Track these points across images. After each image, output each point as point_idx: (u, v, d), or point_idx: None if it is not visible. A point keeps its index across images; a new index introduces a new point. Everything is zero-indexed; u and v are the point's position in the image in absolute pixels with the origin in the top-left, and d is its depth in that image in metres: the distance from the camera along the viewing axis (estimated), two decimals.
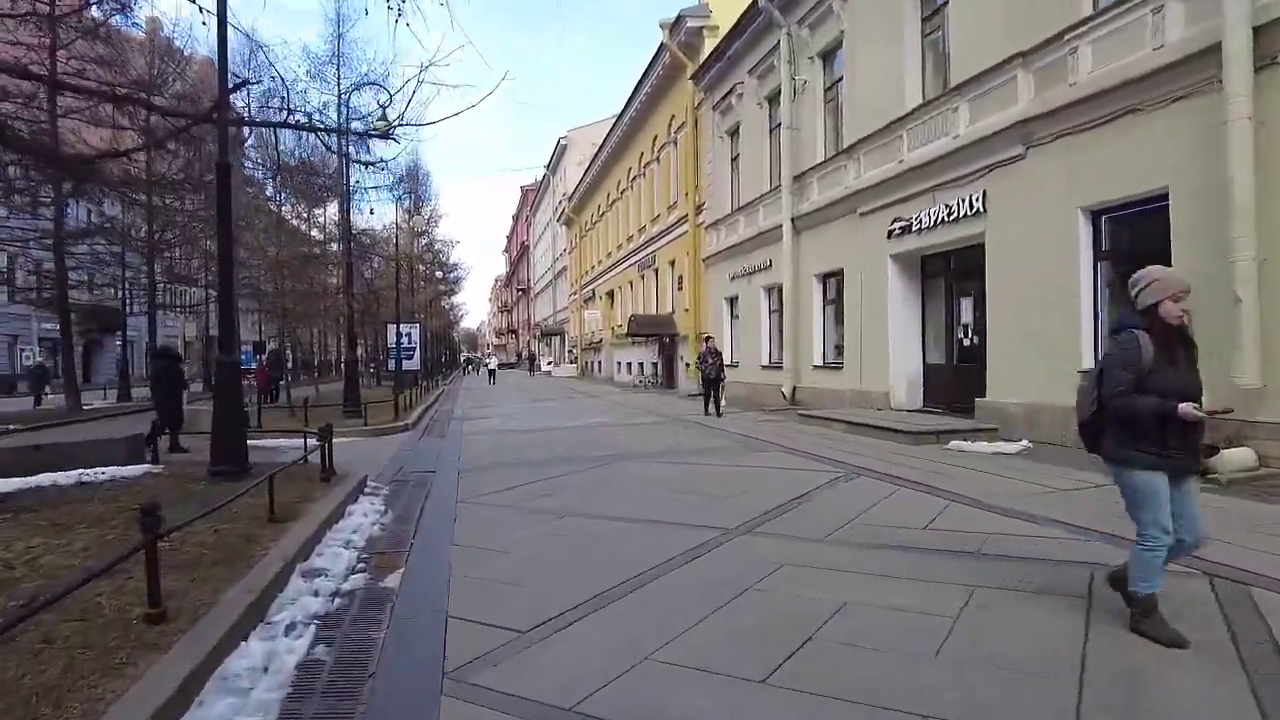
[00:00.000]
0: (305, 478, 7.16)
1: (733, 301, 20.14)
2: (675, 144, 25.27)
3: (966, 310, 11.80)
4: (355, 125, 8.16)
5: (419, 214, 23.53)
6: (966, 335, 11.82)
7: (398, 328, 24.56)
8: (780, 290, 16.92)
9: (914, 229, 12.04)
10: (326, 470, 7.28)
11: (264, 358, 23.88)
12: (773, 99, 17.52)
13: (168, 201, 21.86)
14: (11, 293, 28.97)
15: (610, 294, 36.87)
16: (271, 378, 21.20)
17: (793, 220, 15.76)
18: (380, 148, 30.27)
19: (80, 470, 6.84)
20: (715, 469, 8.26)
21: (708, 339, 15.92)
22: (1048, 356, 9.39)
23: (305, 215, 29.97)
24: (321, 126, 7.88)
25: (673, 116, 25.02)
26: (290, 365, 38.26)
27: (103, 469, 7.05)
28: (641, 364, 29.37)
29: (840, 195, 14.16)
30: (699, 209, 22.11)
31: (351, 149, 13.66)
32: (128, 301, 26.34)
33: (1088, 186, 8.86)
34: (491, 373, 35.87)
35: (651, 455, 9.44)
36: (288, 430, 11.79)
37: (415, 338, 27.51)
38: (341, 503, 6.30)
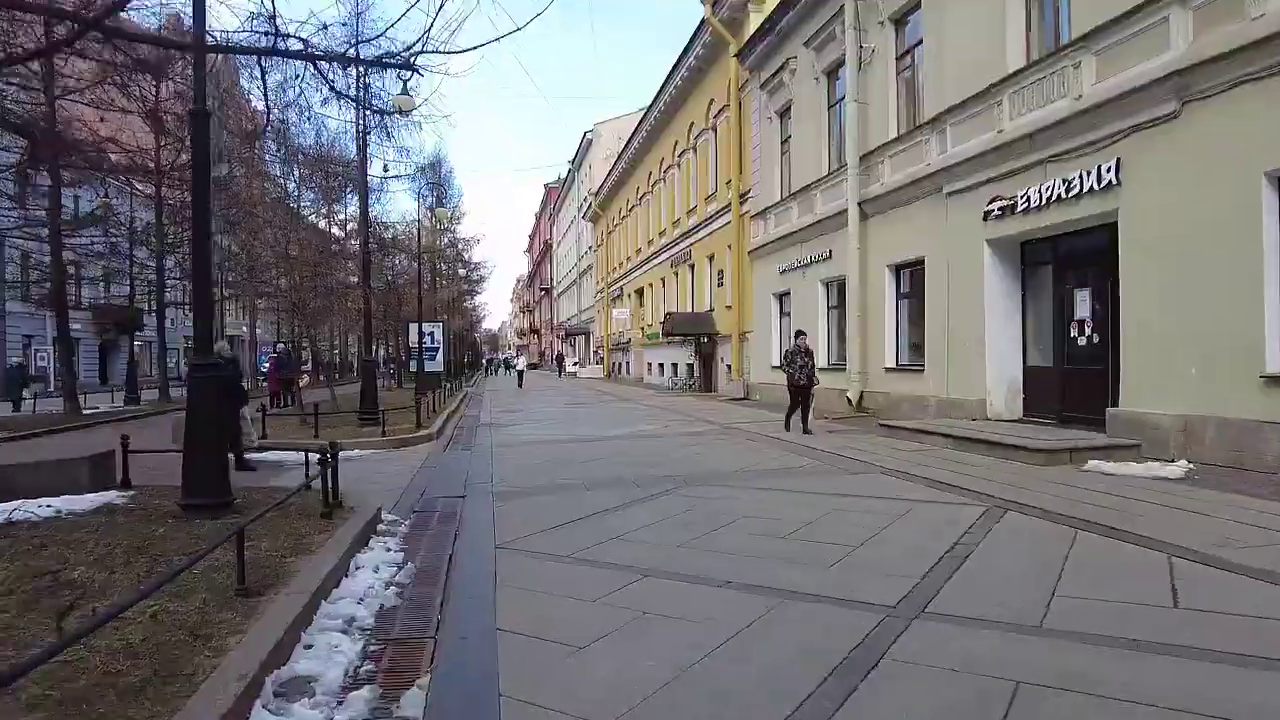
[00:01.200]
0: (303, 513, 5.63)
1: (783, 297, 18.44)
2: (714, 130, 23.61)
3: (1083, 303, 10.02)
4: (366, 52, 6.48)
5: (442, 206, 21.98)
6: (1082, 333, 10.04)
7: (419, 326, 23.14)
8: (842, 284, 15.21)
9: (1018, 209, 10.28)
10: (330, 503, 5.74)
11: (274, 357, 22.59)
12: (832, 72, 15.81)
13: (175, 191, 20.66)
14: (24, 292, 27.96)
15: (640, 292, 35.28)
16: (282, 380, 19.83)
17: (860, 205, 14.04)
18: (404, 129, 28.77)
19: (18, 503, 5.35)
20: (817, 500, 6.60)
21: (798, 335, 12.60)
22: (1213, 357, 7.62)
23: (325, 212, 28.82)
24: (321, 54, 6.32)
25: (711, 101, 23.37)
26: (310, 366, 37.22)
27: (49, 500, 5.56)
28: (675, 365, 27.73)
29: (920, 174, 12.43)
30: (743, 198, 20.43)
31: (366, 94, 12.11)
32: (143, 300, 25.24)
33: (1275, 146, 7.08)
34: (520, 374, 34.14)
35: (728, 478, 7.80)
36: (295, 444, 10.31)
37: (438, 337, 26.13)
38: (346, 552, 4.75)
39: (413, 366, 26.34)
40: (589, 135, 49.17)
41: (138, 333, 37.94)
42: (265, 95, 7.06)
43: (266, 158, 24.05)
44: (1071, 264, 10.32)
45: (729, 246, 21.72)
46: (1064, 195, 9.44)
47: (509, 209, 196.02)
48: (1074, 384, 10.14)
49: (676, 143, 27.60)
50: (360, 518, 5.71)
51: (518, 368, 35.79)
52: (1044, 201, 9.81)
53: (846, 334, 14.77)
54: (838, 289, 15.80)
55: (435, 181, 22.92)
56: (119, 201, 21.98)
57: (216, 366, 5.51)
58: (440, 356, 26.40)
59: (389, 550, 5.23)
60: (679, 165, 27.58)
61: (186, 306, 32.08)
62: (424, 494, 7.48)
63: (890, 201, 13.37)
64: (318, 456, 5.89)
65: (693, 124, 25.47)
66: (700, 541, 5.18)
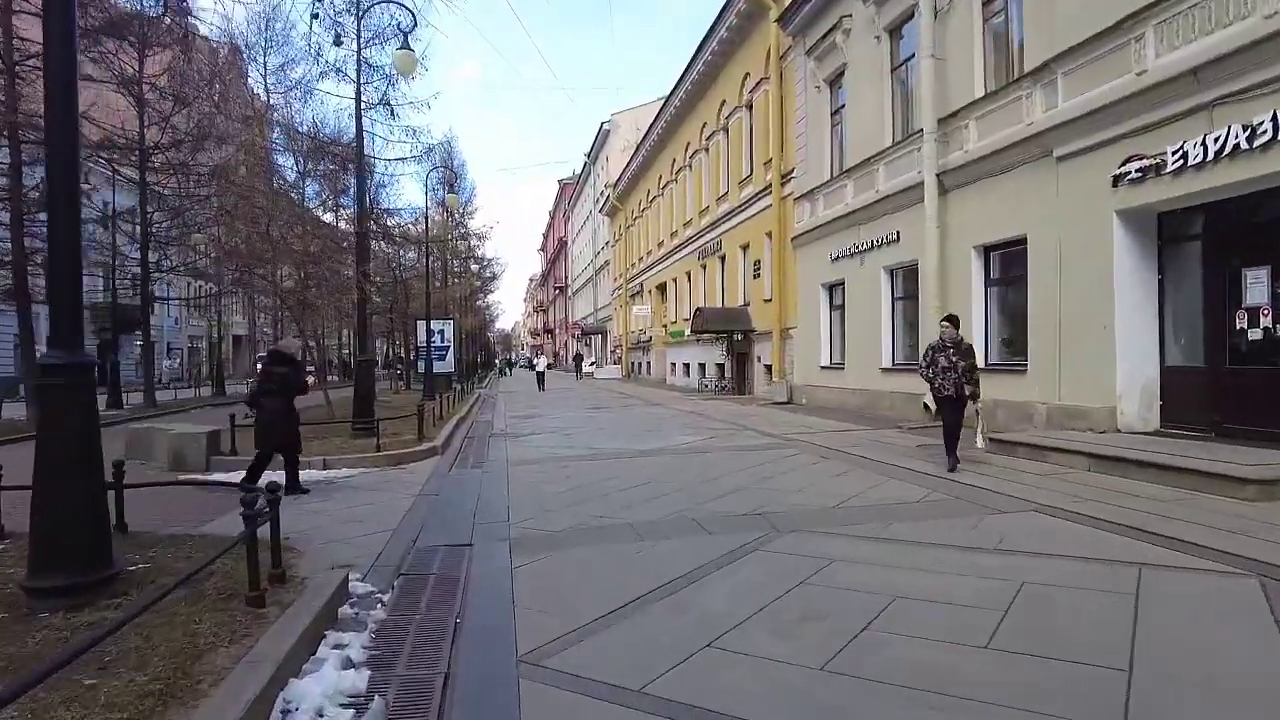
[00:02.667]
0: (225, 593, 3.68)
1: (834, 288, 16.37)
2: (748, 108, 21.56)
3: (1258, 286, 7.90)
4: None
5: (453, 193, 20.04)
6: (1255, 323, 7.92)
7: (427, 324, 21.24)
8: (912, 270, 13.14)
9: (1165, 169, 8.17)
10: (268, 576, 3.77)
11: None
12: (896, 29, 13.73)
13: (164, 177, 18.88)
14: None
15: (662, 287, 33.26)
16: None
17: (939, 176, 11.94)
18: (410, 110, 26.30)
19: None
20: (984, 563, 4.55)
21: (946, 320, 8.28)
22: None
23: (332, 203, 26.99)
24: None
25: (746, 75, 21.31)
26: (312, 367, 35.57)
27: None
28: (703, 365, 25.69)
29: (1018, 136, 10.34)
30: (785, 179, 18.36)
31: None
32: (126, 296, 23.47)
33: None
34: (540, 376, 31.81)
35: (831, 519, 5.77)
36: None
37: (448, 335, 24.23)
38: (267, 685, 2.77)
39: (422, 367, 24.42)
40: (606, 126, 47.22)
41: (137, 330, 36.66)
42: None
43: (268, 145, 22.28)
44: (1240, 237, 8.20)
45: (767, 234, 19.66)
46: (1245, 146, 7.32)
47: (520, 209, 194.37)
48: (1241, 388, 8.02)
49: (704, 125, 25.55)
50: (312, 598, 3.74)
51: (538, 368, 33.47)
52: (1209, 157, 7.69)
53: (920, 328, 12.68)
54: (906, 276, 13.71)
55: (446, 165, 20.83)
56: (94, 186, 20.14)
57: (82, 369, 3.53)
58: (451, 356, 24.51)
59: (349, 665, 3.25)
60: (707, 149, 25.53)
61: (177, 302, 30.22)
62: (417, 540, 5.51)
63: (977, 171, 11.28)
64: (270, 487, 3.94)
65: (723, 102, 23.42)
66: (856, 659, 3.14)
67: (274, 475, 6.50)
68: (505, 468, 8.98)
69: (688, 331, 27.55)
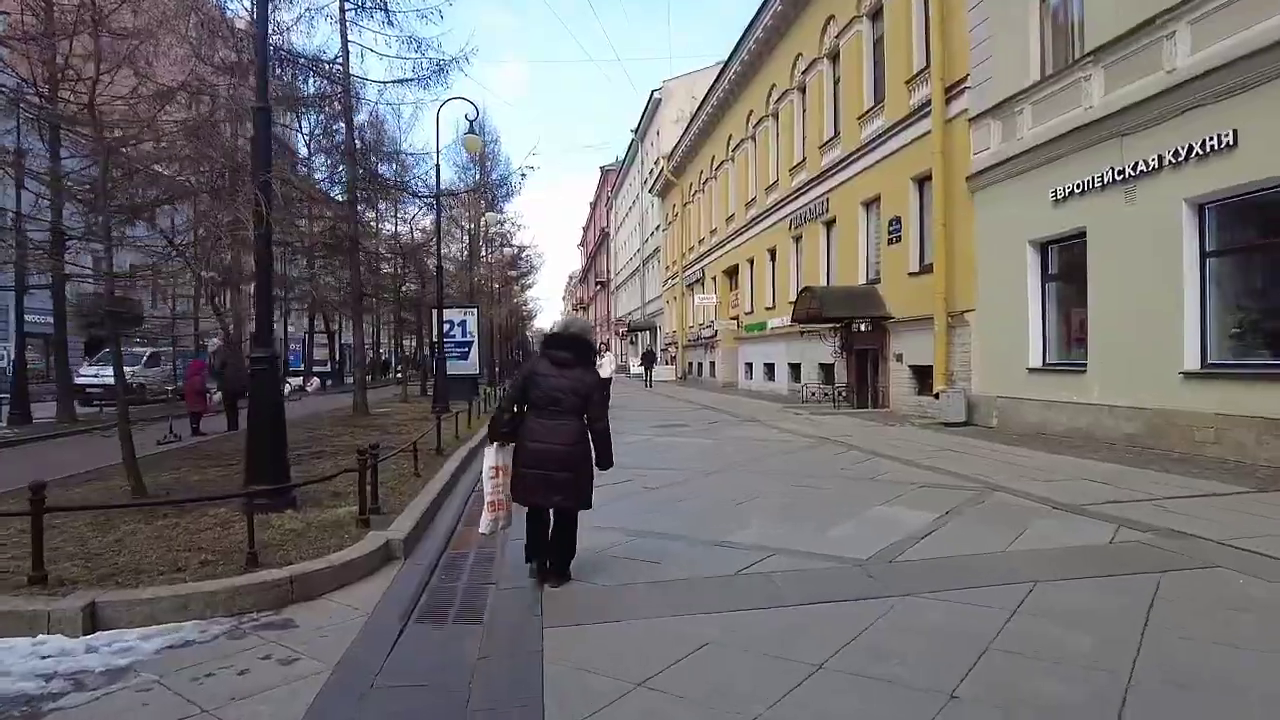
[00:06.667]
0: None
1: (1053, 247, 10.59)
2: (874, 16, 15.80)
3: None
4: None
5: (472, 132, 14.64)
6: None
7: (438, 311, 15.86)
8: (1265, 200, 7.31)
9: None
10: None
11: (210, 360, 15.72)
12: None
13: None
14: None
15: (731, 271, 27.60)
16: (209, 393, 12.88)
17: None
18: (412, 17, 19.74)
19: None
20: None
21: None
22: None
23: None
24: None
25: None
26: (302, 370, 30.74)
27: None
28: (797, 366, 19.91)
29: None
30: (953, 92, 12.55)
31: None
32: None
33: None
34: (606, 384, 25.82)
35: None
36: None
37: (470, 328, 18.92)
38: None
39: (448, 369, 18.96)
40: (656, 95, 41.71)
41: (135, 328, 32.23)
42: None
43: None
44: None
45: (916, 178, 13.92)
46: None
47: (560, 204, 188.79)
48: None
49: (797, 58, 19.80)
50: None
51: (602, 373, 27.27)
52: None
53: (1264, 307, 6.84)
54: (1242, 214, 7.88)
55: (469, 115, 15.25)
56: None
57: None
58: (475, 354, 19.19)
59: None
60: (802, 88, 19.78)
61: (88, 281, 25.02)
62: None
63: None
64: None
65: (830, 19, 17.66)
66: None
67: None
68: (539, 624, 3.49)
69: (772, 323, 21.84)
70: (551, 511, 4.14)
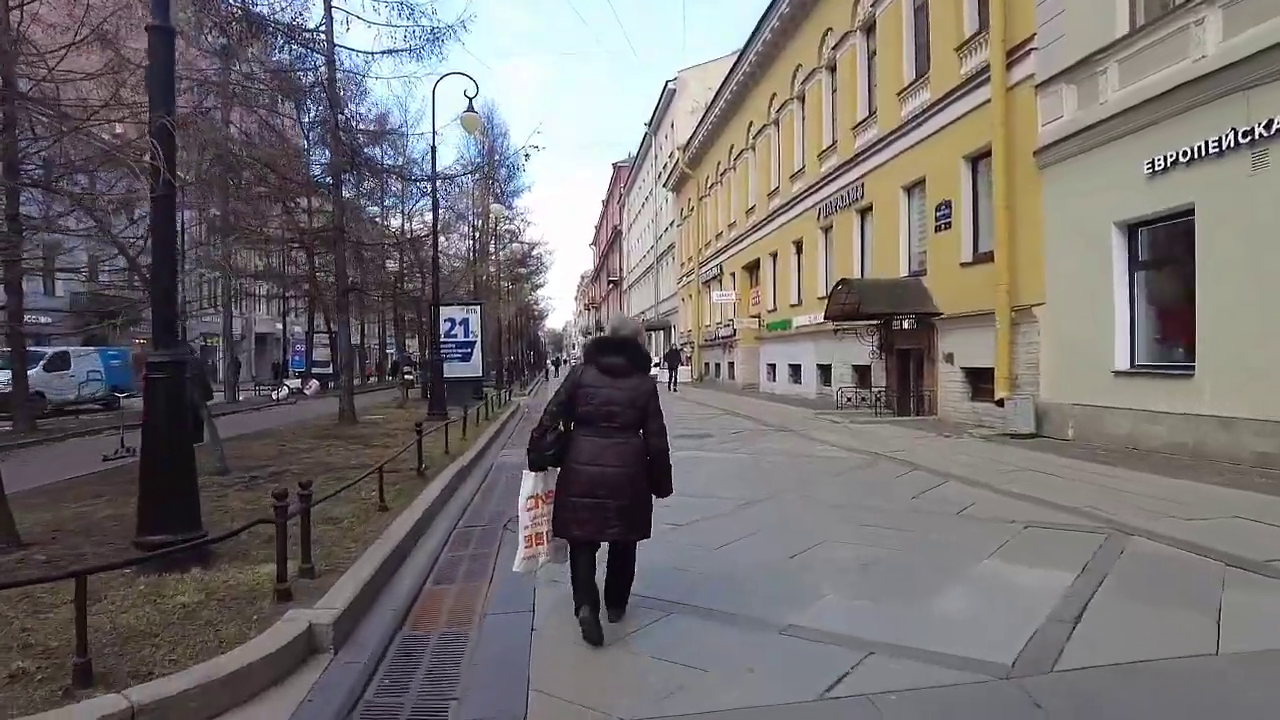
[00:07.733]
0: None
1: (1145, 230, 9.00)
2: None
3: None
4: None
5: (473, 110, 13.21)
6: None
7: (435, 308, 14.44)
8: None
9: None
10: None
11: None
12: None
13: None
14: None
15: (751, 267, 26.07)
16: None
17: None
18: None
19: None
20: None
21: None
22: None
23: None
24: None
25: None
26: (300, 372, 29.51)
27: None
28: (827, 368, 18.35)
29: None
30: (1015, 56, 10.97)
31: None
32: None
33: None
34: None
35: None
36: None
37: (473, 327, 17.51)
38: None
39: (446, 372, 17.49)
40: (671, 86, 40.19)
41: (133, 327, 31.15)
42: None
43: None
44: None
45: (966, 158, 12.33)
46: None
47: (571, 202, 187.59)
48: None
49: (828, 31, 18.24)
50: None
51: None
52: None
53: None
54: None
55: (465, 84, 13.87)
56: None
57: None
58: (477, 355, 17.77)
59: None
60: (832, 67, 18.23)
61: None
62: None
63: None
64: None
65: None
66: None
67: None
68: None
69: (798, 321, 20.30)
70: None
